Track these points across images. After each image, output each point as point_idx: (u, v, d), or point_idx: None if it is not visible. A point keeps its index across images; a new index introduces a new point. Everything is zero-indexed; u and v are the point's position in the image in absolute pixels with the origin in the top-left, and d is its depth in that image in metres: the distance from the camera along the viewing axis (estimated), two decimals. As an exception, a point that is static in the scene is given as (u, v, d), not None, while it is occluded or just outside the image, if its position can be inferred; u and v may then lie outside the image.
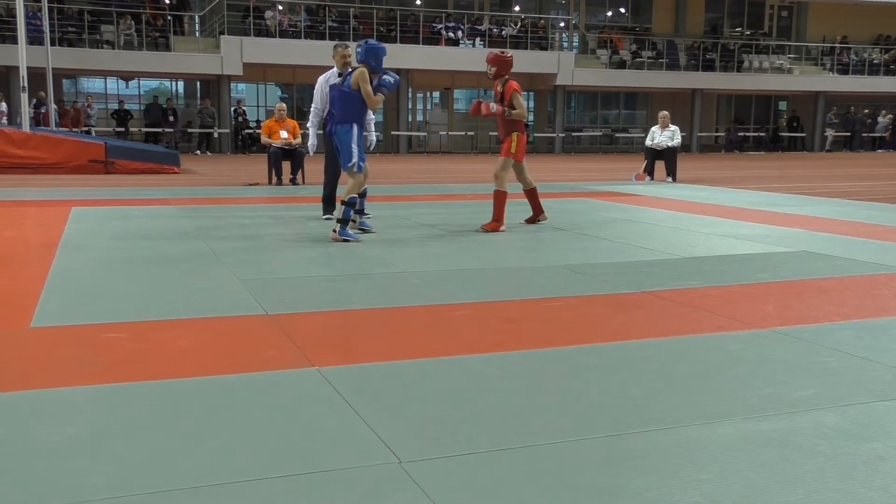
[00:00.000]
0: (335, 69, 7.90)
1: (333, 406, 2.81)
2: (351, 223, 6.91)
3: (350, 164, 6.67)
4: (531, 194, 7.90)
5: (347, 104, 6.69)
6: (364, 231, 7.07)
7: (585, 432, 2.59)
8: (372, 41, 7.00)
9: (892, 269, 5.54)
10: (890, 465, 2.36)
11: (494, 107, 7.39)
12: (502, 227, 7.43)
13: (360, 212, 7.12)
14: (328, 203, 8.16)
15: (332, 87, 7.17)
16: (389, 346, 3.61)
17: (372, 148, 8.63)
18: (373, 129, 8.34)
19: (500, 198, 7.45)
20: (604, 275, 5.32)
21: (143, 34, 23.17)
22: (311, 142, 8.07)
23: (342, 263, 5.66)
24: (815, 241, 6.83)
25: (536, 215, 7.93)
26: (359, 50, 6.83)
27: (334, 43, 8.28)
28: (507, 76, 7.52)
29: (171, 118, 23.65)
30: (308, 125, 8.15)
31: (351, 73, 6.76)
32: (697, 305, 4.44)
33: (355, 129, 6.67)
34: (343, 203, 6.60)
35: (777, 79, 30.58)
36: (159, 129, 23.30)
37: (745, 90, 31.29)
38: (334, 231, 6.62)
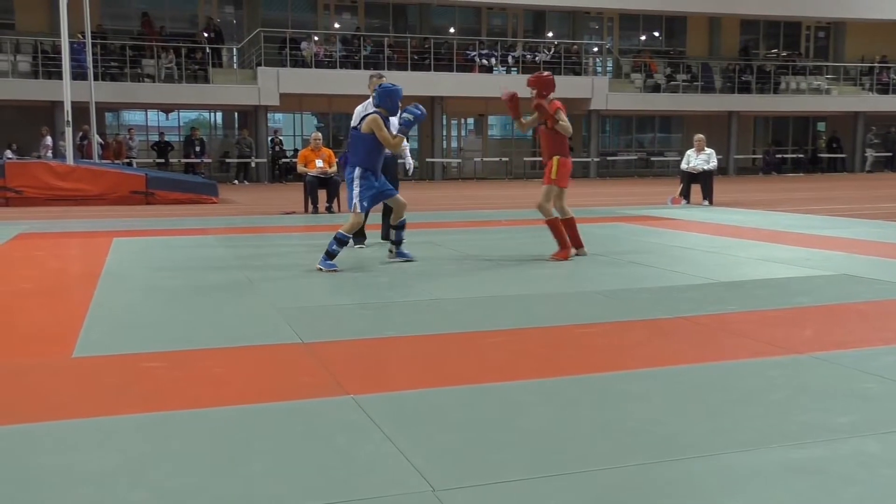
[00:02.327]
0: (371, 101, 8.00)
1: (367, 434, 2.82)
2: (389, 253, 7.08)
3: (350, 206, 6.74)
4: (568, 224, 7.32)
5: (356, 146, 6.75)
6: (406, 260, 7.05)
7: (621, 460, 2.57)
8: (386, 84, 7.03)
9: (936, 292, 5.43)
10: (933, 493, 2.31)
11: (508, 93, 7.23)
12: (573, 252, 7.22)
13: (398, 242, 7.13)
14: (358, 233, 8.23)
15: (350, 131, 7.16)
16: (424, 373, 3.63)
17: (410, 172, 8.79)
18: (408, 154, 8.51)
19: (553, 226, 7.20)
20: (639, 300, 5.29)
21: (183, 67, 23.66)
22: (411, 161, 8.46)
23: (377, 291, 5.70)
24: (856, 265, 6.72)
25: (574, 246, 7.35)
26: (374, 95, 6.89)
27: (370, 73, 8.40)
28: (548, 97, 7.20)
29: (199, 148, 24.05)
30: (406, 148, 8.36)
31: (365, 117, 6.81)
32: (734, 331, 4.39)
33: (357, 171, 6.68)
34: (335, 237, 6.51)
35: (815, 100, 30.23)
36: (189, 160, 23.68)
37: (782, 112, 30.97)
38: (318, 264, 6.51)
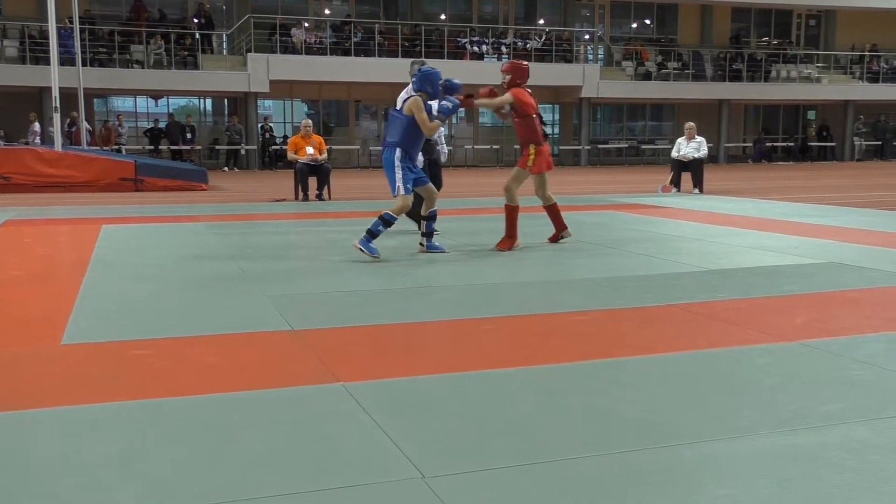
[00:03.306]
0: (412, 86, 8.00)
1: (358, 421, 2.82)
2: (419, 246, 6.97)
3: (394, 191, 6.58)
4: (552, 210, 7.47)
5: (395, 127, 6.66)
6: (438, 252, 6.91)
7: (611, 447, 2.58)
8: (426, 67, 7.02)
9: (924, 280, 5.46)
10: (921, 480, 2.32)
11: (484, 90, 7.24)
12: (517, 244, 7.16)
13: (429, 234, 6.99)
14: (415, 217, 8.26)
15: (390, 112, 7.08)
16: (414, 361, 3.62)
17: (444, 160, 8.83)
18: (443, 141, 8.65)
19: (511, 213, 7.17)
20: (629, 288, 5.29)
21: (172, 53, 23.51)
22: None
23: (367, 279, 5.69)
24: (845, 252, 6.75)
25: (559, 232, 7.51)
26: (414, 79, 6.87)
27: (411, 60, 8.46)
28: (520, 84, 7.23)
29: (189, 135, 23.92)
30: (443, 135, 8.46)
31: (406, 100, 6.77)
32: (724, 318, 4.40)
33: (398, 152, 6.56)
34: (380, 217, 6.48)
35: (805, 88, 30.29)
36: (176, 147, 23.56)
37: (772, 100, 31.02)
38: (357, 242, 6.52)
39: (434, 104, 6.80)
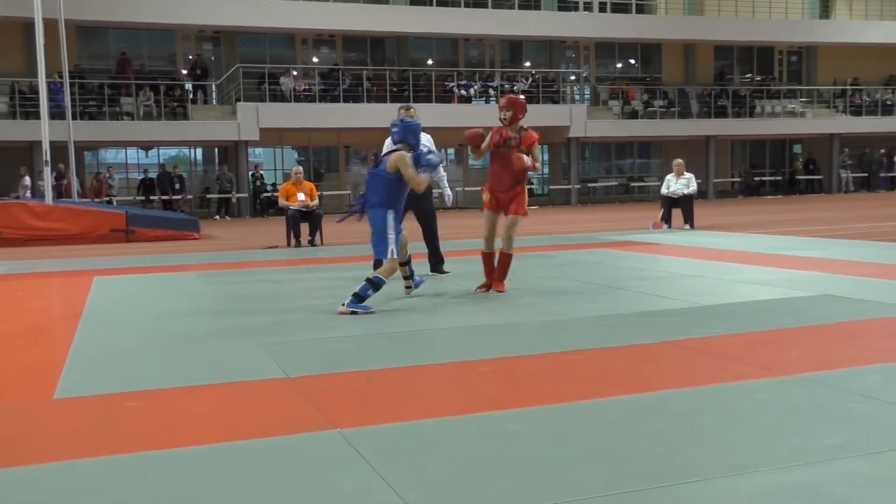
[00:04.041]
0: (391, 137, 8.01)
1: (356, 468, 2.79)
2: (406, 290, 6.85)
3: (386, 255, 6.19)
4: (503, 258, 6.96)
5: (381, 188, 6.24)
6: (421, 285, 6.93)
7: (611, 488, 2.55)
8: (407, 119, 6.73)
9: (917, 310, 5.47)
10: (925, 512, 2.30)
11: (529, 160, 6.69)
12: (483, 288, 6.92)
13: (409, 277, 6.87)
14: (437, 259, 8.36)
15: (369, 170, 6.72)
16: (411, 405, 3.60)
17: (449, 203, 8.82)
18: (445, 184, 8.61)
19: (509, 261, 6.92)
20: (624, 326, 5.29)
21: (162, 104, 23.67)
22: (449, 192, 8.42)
23: (362, 323, 5.67)
24: (838, 285, 6.77)
25: (491, 282, 6.95)
26: (395, 130, 6.47)
27: (399, 105, 8.49)
28: (522, 123, 6.85)
29: (178, 185, 23.98)
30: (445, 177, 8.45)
31: (387, 155, 6.38)
32: (720, 354, 4.39)
33: (390, 215, 6.24)
34: (368, 280, 6.08)
35: (790, 123, 30.65)
36: (167, 197, 23.58)
37: (758, 135, 31.35)
38: (343, 304, 6.04)
39: (415, 156, 6.37)
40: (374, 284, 6.08)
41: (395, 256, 6.24)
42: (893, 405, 3.34)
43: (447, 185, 8.66)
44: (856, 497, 2.43)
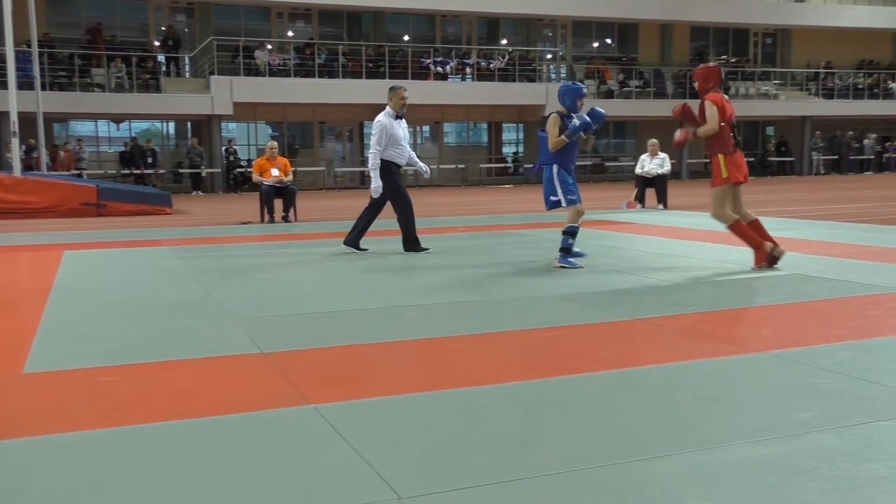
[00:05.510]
0: (389, 110, 8.00)
1: (331, 443, 2.79)
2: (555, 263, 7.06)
3: (561, 204, 6.97)
4: (753, 228, 6.68)
5: (543, 146, 7.00)
6: (570, 266, 6.97)
7: (586, 462, 2.58)
8: (569, 82, 7.37)
9: (885, 290, 5.56)
10: (890, 485, 2.35)
11: (678, 134, 6.70)
12: (778, 250, 6.58)
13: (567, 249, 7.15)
14: (410, 241, 8.29)
15: (539, 132, 7.18)
16: (386, 381, 3.60)
17: (427, 176, 8.76)
18: (417, 160, 8.56)
19: (737, 230, 6.59)
20: (599, 303, 5.32)
21: (134, 76, 23.31)
22: (375, 185, 8.09)
23: (337, 299, 5.66)
24: (808, 264, 6.86)
25: (768, 252, 6.59)
26: (560, 90, 7.12)
27: (391, 84, 8.44)
28: (712, 89, 6.63)
29: (150, 159, 23.70)
30: (370, 168, 8.10)
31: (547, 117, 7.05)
32: (694, 331, 4.44)
33: (555, 169, 6.93)
34: (563, 233, 6.93)
35: (763, 104, 30.89)
36: (139, 172, 23.32)
37: (732, 116, 31.54)
38: (556, 259, 6.97)
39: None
40: (569, 233, 6.92)
41: (567, 204, 6.94)
42: (861, 380, 3.40)
43: (418, 160, 8.58)
44: (824, 469, 2.47)
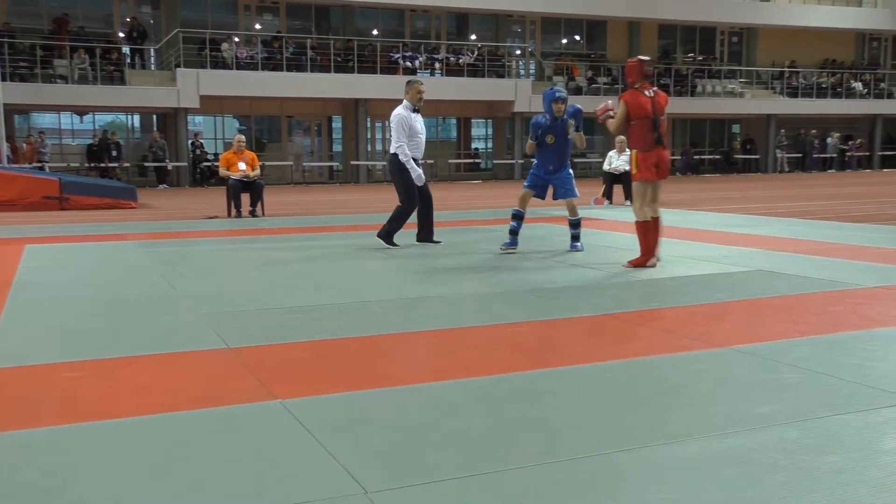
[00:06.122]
0: (406, 103, 8.07)
1: (298, 438, 2.78)
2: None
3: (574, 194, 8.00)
4: (650, 226, 6.69)
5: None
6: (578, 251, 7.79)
7: (550, 456, 2.59)
8: (550, 87, 8.08)
9: (847, 286, 5.66)
10: (849, 477, 2.40)
11: (601, 106, 6.98)
12: (651, 261, 6.62)
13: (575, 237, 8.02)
14: (427, 229, 8.36)
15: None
16: (352, 376, 3.59)
17: (420, 184, 8.30)
18: (412, 166, 8.25)
19: (640, 229, 6.68)
20: (565, 298, 5.35)
21: (98, 68, 22.96)
22: (416, 173, 8.16)
23: (303, 295, 5.63)
24: (772, 261, 6.95)
25: (645, 264, 6.65)
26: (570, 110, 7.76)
27: (408, 79, 8.47)
28: (634, 84, 6.67)
29: (115, 153, 23.36)
30: (403, 160, 8.11)
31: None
32: (658, 326, 4.48)
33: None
34: (575, 222, 7.96)
35: (730, 102, 31.24)
36: (102, 165, 22.99)
37: (699, 114, 31.88)
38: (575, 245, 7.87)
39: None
40: (578, 223, 7.99)
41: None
42: (822, 375, 3.46)
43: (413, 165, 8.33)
44: (785, 462, 2.51)
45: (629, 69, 6.75)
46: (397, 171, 8.13)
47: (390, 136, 8.20)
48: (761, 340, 4.10)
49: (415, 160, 8.20)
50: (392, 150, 8.18)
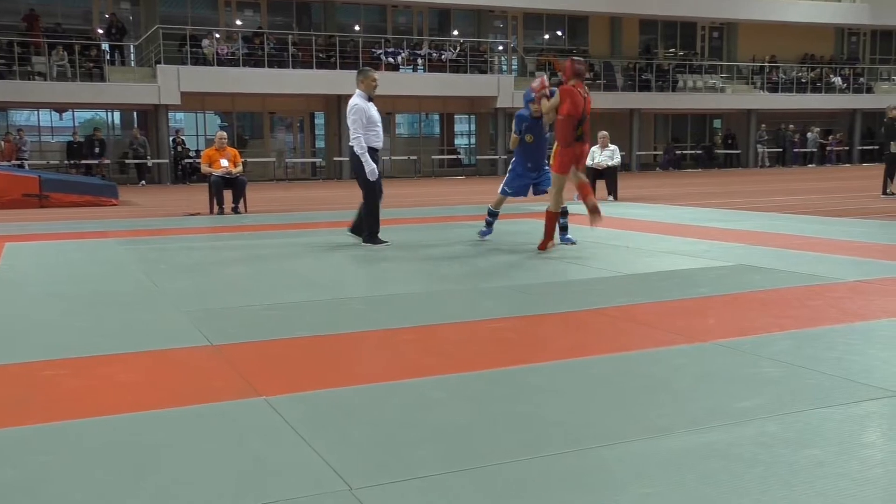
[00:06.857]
0: (361, 92, 7.96)
1: (282, 435, 2.78)
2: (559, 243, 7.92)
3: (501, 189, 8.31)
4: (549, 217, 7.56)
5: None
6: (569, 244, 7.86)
7: (534, 451, 2.60)
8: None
9: (827, 280, 5.71)
10: (828, 470, 2.42)
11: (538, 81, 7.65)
12: (551, 244, 7.53)
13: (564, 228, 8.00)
14: (371, 234, 8.15)
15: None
16: (336, 372, 3.59)
17: (372, 179, 8.15)
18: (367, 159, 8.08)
19: (548, 217, 7.52)
20: (549, 294, 5.37)
21: (77, 65, 22.75)
22: (370, 168, 7.89)
23: (286, 292, 5.62)
24: (753, 255, 7.00)
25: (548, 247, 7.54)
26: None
27: (361, 68, 8.39)
28: (567, 82, 7.26)
29: (98, 150, 23.17)
30: (359, 152, 7.90)
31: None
32: (641, 321, 4.51)
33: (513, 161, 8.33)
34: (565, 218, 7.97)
35: (711, 98, 31.40)
36: (85, 162, 22.78)
37: (680, 109, 32.04)
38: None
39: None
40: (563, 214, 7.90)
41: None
42: (803, 369, 3.49)
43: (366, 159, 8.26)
44: (766, 456, 2.53)
45: (565, 68, 7.38)
46: (358, 165, 7.98)
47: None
48: (743, 335, 4.13)
49: (375, 150, 8.00)
50: (350, 143, 8.05)
